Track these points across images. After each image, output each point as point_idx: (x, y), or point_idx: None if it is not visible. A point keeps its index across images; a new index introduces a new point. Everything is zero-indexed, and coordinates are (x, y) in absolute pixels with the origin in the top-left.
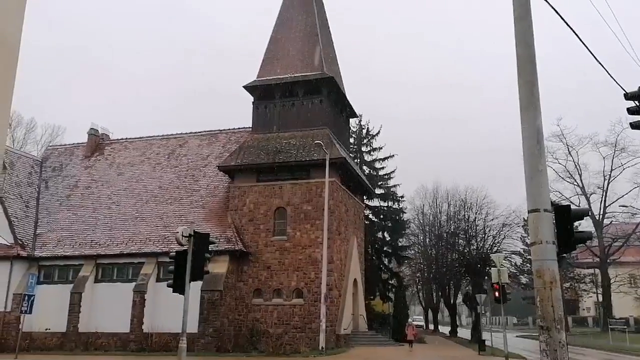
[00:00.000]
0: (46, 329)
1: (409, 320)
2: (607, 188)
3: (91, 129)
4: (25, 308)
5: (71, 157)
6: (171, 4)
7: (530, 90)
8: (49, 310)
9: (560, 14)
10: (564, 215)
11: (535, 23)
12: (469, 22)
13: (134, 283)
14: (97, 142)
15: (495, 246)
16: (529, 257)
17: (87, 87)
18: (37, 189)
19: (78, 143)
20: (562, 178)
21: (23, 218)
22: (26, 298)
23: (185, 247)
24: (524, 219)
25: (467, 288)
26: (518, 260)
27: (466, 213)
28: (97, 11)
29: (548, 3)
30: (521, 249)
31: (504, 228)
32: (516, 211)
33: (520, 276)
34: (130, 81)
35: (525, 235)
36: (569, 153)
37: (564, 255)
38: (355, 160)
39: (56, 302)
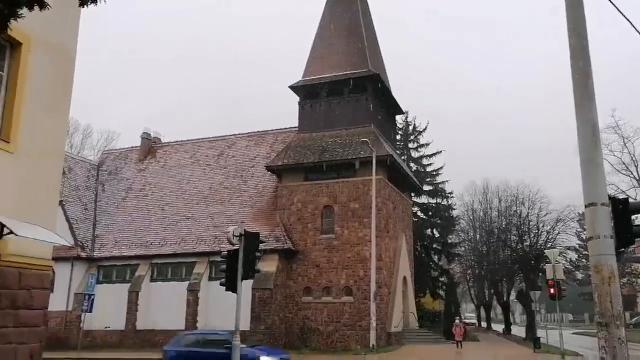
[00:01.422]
0: (106, 327)
1: (457, 319)
2: None
3: (144, 133)
4: (86, 307)
5: (125, 160)
6: (215, 6)
7: (584, 82)
8: (108, 309)
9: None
10: (622, 209)
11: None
12: (522, 18)
13: (187, 282)
14: (150, 146)
15: (549, 242)
16: (584, 252)
17: (139, 91)
18: (95, 192)
19: (132, 147)
20: (618, 171)
21: (82, 220)
22: (86, 297)
23: (236, 247)
24: (579, 213)
25: (521, 285)
26: (573, 255)
27: (518, 208)
28: (140, 15)
29: None
30: (576, 244)
31: (558, 223)
32: (571, 205)
33: (576, 272)
34: (176, 86)
35: (581, 230)
36: (625, 145)
37: (622, 249)
38: (402, 157)
39: (115, 301)
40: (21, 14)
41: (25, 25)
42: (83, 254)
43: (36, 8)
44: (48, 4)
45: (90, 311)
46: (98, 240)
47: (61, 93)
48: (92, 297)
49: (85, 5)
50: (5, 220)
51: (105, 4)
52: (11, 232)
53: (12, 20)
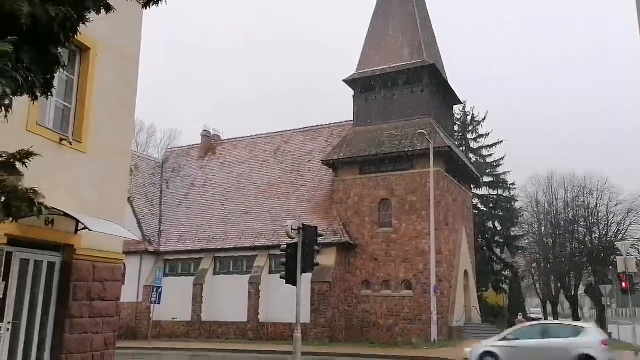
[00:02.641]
0: (173, 318)
1: (519, 315)
2: None
3: (204, 130)
4: (155, 299)
5: (187, 158)
6: (265, 2)
7: None
8: (175, 301)
9: None
10: None
11: None
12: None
13: (248, 275)
14: (210, 143)
15: (620, 233)
16: None
17: (197, 90)
18: (160, 189)
19: (193, 144)
20: None
21: (149, 216)
22: (155, 289)
23: (295, 240)
24: None
25: (590, 279)
26: None
27: (586, 199)
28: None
29: None
30: None
31: (629, 214)
32: None
33: None
34: (230, 82)
35: None
36: None
37: None
38: (461, 148)
39: (181, 293)
40: (89, 18)
41: (92, 30)
42: (150, 248)
43: (102, 12)
44: (113, 7)
45: (159, 303)
46: (164, 235)
47: (127, 94)
48: (160, 289)
49: (147, 7)
50: (80, 217)
51: (167, 4)
52: (85, 228)
53: (80, 25)
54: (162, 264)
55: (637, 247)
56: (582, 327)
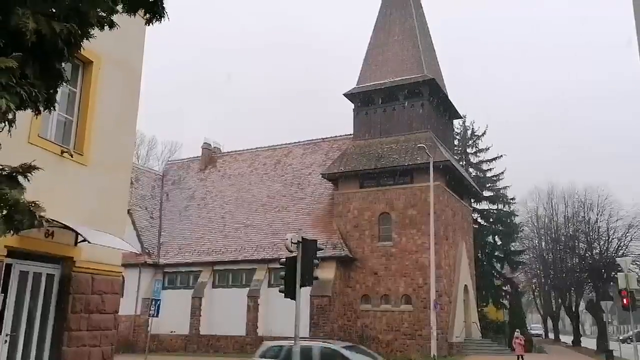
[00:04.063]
0: (171, 331)
1: (517, 331)
2: None
3: (204, 143)
4: (153, 312)
5: (188, 170)
6: (269, 12)
7: None
8: (173, 314)
9: None
10: None
11: None
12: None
13: (247, 288)
14: (210, 156)
15: (621, 249)
16: None
17: (197, 102)
18: (160, 201)
19: (193, 157)
20: None
21: (148, 228)
22: (153, 302)
23: (294, 254)
24: None
25: (591, 295)
26: None
27: (586, 214)
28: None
29: None
30: None
31: (630, 229)
32: None
33: None
34: (233, 96)
35: None
36: None
37: None
38: (461, 163)
39: (179, 306)
40: (92, 34)
41: (96, 44)
42: (149, 261)
43: (106, 28)
44: (117, 24)
45: (157, 316)
46: (163, 248)
47: (129, 107)
48: (159, 302)
49: (150, 24)
50: (80, 229)
51: (169, 20)
52: (85, 240)
53: (84, 40)
54: (161, 277)
55: (638, 263)
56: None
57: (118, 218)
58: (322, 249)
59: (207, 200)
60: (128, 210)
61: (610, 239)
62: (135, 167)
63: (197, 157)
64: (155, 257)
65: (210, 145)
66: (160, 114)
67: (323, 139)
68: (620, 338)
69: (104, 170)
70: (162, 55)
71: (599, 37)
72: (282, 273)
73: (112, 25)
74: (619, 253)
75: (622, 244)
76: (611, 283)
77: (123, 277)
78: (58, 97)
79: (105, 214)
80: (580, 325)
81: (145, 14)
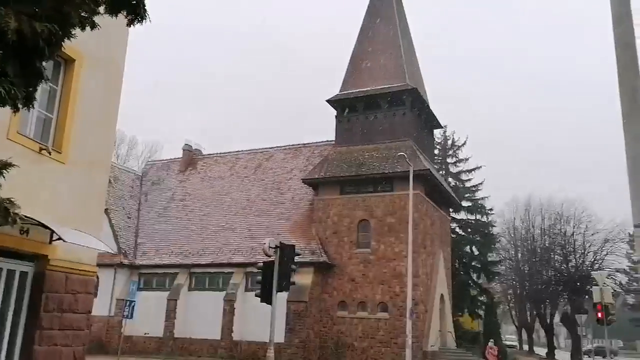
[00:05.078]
0: (145, 334)
1: (491, 341)
2: None
3: (185, 144)
4: (127, 313)
5: (168, 171)
6: (251, 17)
7: (632, 97)
8: (148, 316)
9: None
10: None
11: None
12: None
13: (224, 292)
14: (191, 157)
15: (596, 263)
16: (636, 275)
17: (180, 102)
18: (138, 202)
19: (174, 158)
20: None
21: (125, 228)
22: (127, 303)
23: (272, 258)
24: (629, 233)
25: (566, 307)
26: (623, 278)
27: (562, 227)
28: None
29: None
30: (627, 266)
31: (606, 243)
32: (620, 225)
33: (627, 296)
34: (218, 101)
35: (632, 251)
36: None
37: None
38: (440, 172)
39: (154, 308)
40: (74, 34)
41: (78, 42)
42: (125, 261)
43: (87, 29)
44: (98, 25)
45: (131, 317)
46: (140, 248)
47: (109, 106)
48: (133, 303)
49: (132, 25)
50: (55, 227)
51: (151, 22)
52: (60, 238)
53: (65, 40)
54: (137, 278)
55: (613, 277)
56: None
57: (95, 217)
58: (300, 255)
59: (186, 202)
60: (105, 210)
61: (586, 252)
62: (114, 167)
63: (178, 158)
64: (132, 258)
65: (191, 146)
66: (142, 114)
67: (304, 144)
68: (583, 350)
69: (82, 169)
70: (143, 54)
71: (578, 46)
72: (259, 277)
73: (93, 25)
74: (595, 267)
75: (598, 257)
76: (586, 296)
77: (98, 277)
78: (38, 94)
79: (81, 213)
80: (554, 338)
81: (127, 16)
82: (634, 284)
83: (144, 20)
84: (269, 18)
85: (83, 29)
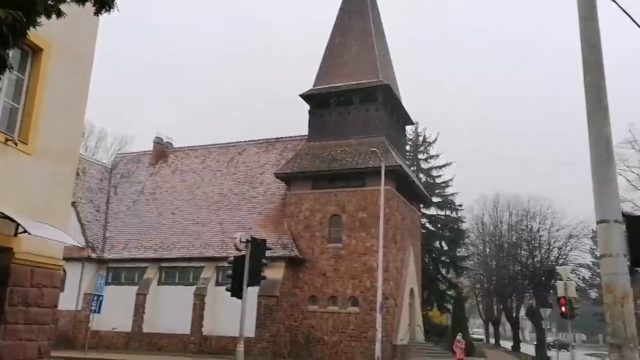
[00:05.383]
0: (113, 328)
1: (459, 335)
2: None
3: (156, 137)
4: (94, 308)
5: (138, 164)
6: (232, 11)
7: (597, 95)
8: (116, 310)
9: (628, 12)
10: (637, 226)
11: (602, 23)
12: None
13: (194, 286)
14: (162, 150)
15: (561, 258)
16: (598, 270)
17: (153, 95)
18: (107, 195)
19: (144, 151)
20: (636, 187)
21: (94, 222)
22: (95, 298)
23: (243, 253)
24: (592, 230)
25: (531, 301)
26: (587, 273)
27: (529, 223)
28: (157, 23)
29: (616, 3)
30: (590, 261)
31: (570, 239)
32: (584, 222)
33: (590, 291)
34: (190, 94)
35: (595, 247)
36: None
37: (637, 269)
38: (412, 168)
39: (123, 303)
40: (39, 22)
41: (46, 31)
42: (93, 255)
43: (54, 17)
44: (64, 13)
45: (99, 312)
46: (108, 242)
47: (78, 97)
48: (101, 298)
49: (99, 14)
50: (20, 219)
51: (118, 12)
52: (25, 231)
53: (30, 28)
54: (105, 272)
55: (577, 272)
56: None
57: (61, 210)
58: (271, 249)
59: (156, 195)
60: (73, 203)
61: (551, 247)
62: (82, 159)
63: (149, 151)
64: (100, 252)
65: (162, 139)
66: (113, 106)
67: (277, 138)
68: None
69: (49, 160)
70: (121, 48)
71: (553, 46)
72: (230, 272)
73: (59, 14)
74: (559, 262)
75: (563, 252)
76: (550, 291)
77: (65, 271)
78: (4, 84)
79: (48, 205)
80: (520, 331)
81: (94, 4)
82: (597, 278)
83: (111, 10)
84: (244, 10)
85: (49, 17)
